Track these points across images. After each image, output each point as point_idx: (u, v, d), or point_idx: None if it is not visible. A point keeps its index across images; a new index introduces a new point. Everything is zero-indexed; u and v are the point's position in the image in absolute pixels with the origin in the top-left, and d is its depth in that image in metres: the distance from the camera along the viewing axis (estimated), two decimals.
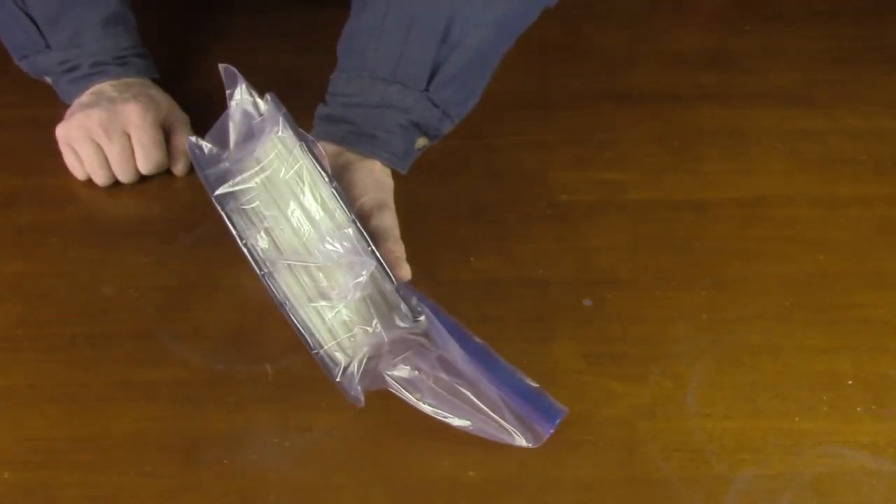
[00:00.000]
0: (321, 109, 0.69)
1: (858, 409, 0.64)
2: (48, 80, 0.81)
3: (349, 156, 0.66)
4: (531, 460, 0.61)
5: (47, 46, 0.78)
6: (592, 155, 0.81)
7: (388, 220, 0.62)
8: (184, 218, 0.75)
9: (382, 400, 0.64)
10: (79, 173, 0.77)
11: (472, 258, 0.72)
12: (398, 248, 0.61)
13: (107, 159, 0.76)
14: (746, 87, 0.88)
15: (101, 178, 0.77)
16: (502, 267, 0.72)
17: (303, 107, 0.85)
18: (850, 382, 0.65)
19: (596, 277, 0.71)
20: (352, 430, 0.62)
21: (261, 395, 0.64)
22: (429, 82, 0.66)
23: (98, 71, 0.79)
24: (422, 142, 0.68)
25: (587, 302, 0.70)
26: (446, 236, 0.74)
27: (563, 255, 0.73)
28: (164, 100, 0.80)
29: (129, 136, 0.76)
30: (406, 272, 0.60)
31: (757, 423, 0.63)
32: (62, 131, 0.77)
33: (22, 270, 0.71)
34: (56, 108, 0.81)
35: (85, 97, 0.78)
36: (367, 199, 0.63)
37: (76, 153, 0.77)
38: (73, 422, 0.62)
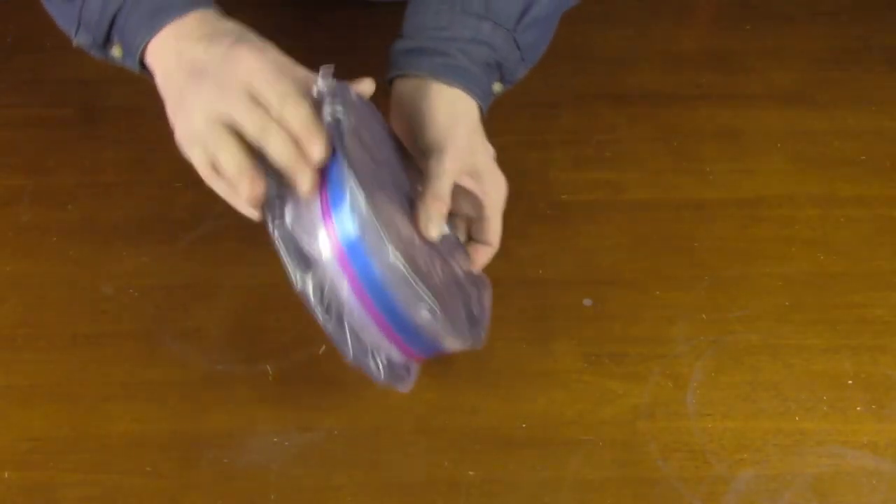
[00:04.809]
0: (401, 44, 0.65)
1: (858, 409, 0.64)
2: (116, 52, 0.62)
3: (434, 85, 0.63)
4: (531, 460, 0.61)
5: None
6: (592, 155, 0.81)
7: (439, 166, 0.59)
8: (184, 218, 0.75)
9: (383, 400, 0.64)
10: (224, 187, 0.55)
11: None
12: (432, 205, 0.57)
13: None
14: (746, 87, 0.88)
15: (257, 188, 0.52)
16: (502, 267, 0.72)
17: None
18: (850, 382, 0.65)
19: (596, 277, 0.71)
20: (352, 430, 0.62)
21: (261, 395, 0.64)
22: (518, 21, 0.65)
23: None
24: (498, 87, 0.67)
25: (587, 302, 0.70)
26: None
27: (563, 255, 0.73)
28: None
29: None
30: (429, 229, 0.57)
31: (757, 423, 0.63)
32: (181, 131, 0.55)
33: (22, 270, 0.71)
34: (56, 108, 0.81)
35: (171, 61, 0.58)
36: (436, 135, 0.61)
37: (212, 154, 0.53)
38: (73, 422, 0.62)
